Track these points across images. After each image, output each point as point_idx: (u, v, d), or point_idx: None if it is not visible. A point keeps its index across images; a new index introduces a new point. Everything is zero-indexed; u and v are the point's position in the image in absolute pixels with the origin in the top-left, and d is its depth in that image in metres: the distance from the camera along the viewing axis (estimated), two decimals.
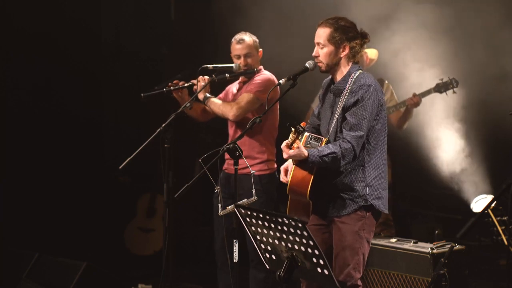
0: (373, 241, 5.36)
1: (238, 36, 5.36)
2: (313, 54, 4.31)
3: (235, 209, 3.81)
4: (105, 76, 7.59)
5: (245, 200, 4.19)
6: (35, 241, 6.56)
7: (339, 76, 4.31)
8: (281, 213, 3.59)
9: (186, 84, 5.39)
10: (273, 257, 3.73)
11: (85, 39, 7.27)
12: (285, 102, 5.63)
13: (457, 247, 5.26)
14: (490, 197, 6.43)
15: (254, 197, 4.21)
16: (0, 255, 6.28)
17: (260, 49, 5.42)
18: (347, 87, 4.24)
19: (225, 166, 5.39)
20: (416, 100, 6.40)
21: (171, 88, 5.36)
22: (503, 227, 5.78)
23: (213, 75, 5.31)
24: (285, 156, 4.10)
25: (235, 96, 5.45)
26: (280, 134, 5.42)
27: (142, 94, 5.37)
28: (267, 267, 3.83)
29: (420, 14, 6.62)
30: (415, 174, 7.07)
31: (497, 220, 5.79)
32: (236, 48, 5.34)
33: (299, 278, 4.27)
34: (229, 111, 5.28)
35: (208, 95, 5.35)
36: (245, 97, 5.30)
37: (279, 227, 3.55)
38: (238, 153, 4.23)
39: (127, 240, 7.45)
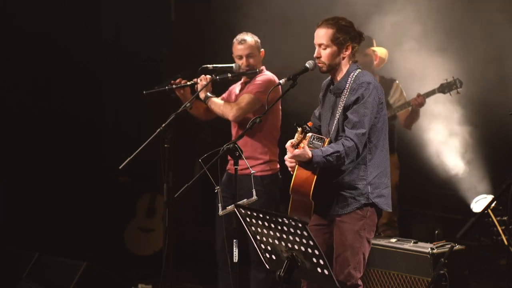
0: (373, 241, 5.34)
1: (239, 37, 5.36)
2: (315, 55, 4.29)
3: (235, 209, 3.81)
4: (105, 76, 7.59)
5: (245, 200, 4.20)
6: (35, 241, 6.56)
7: (338, 76, 4.31)
8: (281, 213, 3.58)
9: (188, 83, 5.39)
10: (273, 257, 3.73)
11: (85, 39, 7.27)
12: (289, 103, 5.65)
13: (457, 247, 5.25)
14: (490, 197, 6.43)
15: (254, 197, 4.21)
16: (0, 255, 6.27)
17: (262, 49, 5.42)
18: (347, 86, 4.24)
19: (228, 166, 5.39)
20: (420, 100, 6.41)
21: (173, 86, 5.36)
22: (503, 227, 5.78)
23: (214, 75, 5.30)
24: (289, 156, 4.09)
25: (237, 97, 5.45)
26: (282, 135, 5.42)
27: (144, 92, 5.38)
28: (267, 267, 3.83)
29: (423, 15, 6.62)
30: (415, 174, 7.07)
31: (497, 220, 5.79)
32: (238, 49, 5.34)
33: (299, 278, 4.27)
34: (229, 112, 5.28)
35: (209, 94, 5.35)
36: (245, 98, 5.30)
37: (279, 227, 3.55)
38: (238, 153, 4.23)
39: (127, 240, 7.45)
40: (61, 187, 7.10)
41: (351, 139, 4.12)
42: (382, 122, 4.27)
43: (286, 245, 3.57)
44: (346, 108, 4.22)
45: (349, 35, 4.26)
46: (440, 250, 5.26)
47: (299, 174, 4.19)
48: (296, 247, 3.53)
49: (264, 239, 3.69)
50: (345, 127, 4.18)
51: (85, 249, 6.72)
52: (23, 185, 6.89)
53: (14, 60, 6.99)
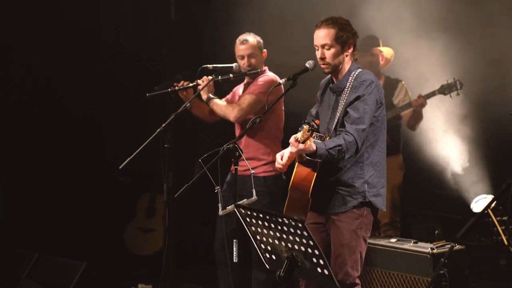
0: (373, 241, 5.38)
1: (242, 37, 5.36)
2: (319, 56, 4.28)
3: (235, 209, 3.81)
4: (105, 76, 7.59)
5: (245, 200, 4.20)
6: (35, 241, 6.56)
7: (340, 75, 4.32)
8: (281, 213, 3.58)
9: (190, 84, 5.39)
10: (273, 257, 3.73)
11: (85, 39, 7.27)
12: (288, 103, 5.64)
13: (457, 247, 5.25)
14: (490, 197, 6.43)
15: (254, 197, 4.21)
16: (0, 255, 6.27)
17: (265, 50, 5.42)
18: (348, 85, 4.25)
19: (233, 167, 5.38)
20: (421, 101, 6.42)
21: (176, 88, 5.36)
22: (503, 227, 5.78)
23: (215, 75, 5.30)
24: (294, 150, 4.07)
25: (240, 98, 5.45)
26: (285, 135, 5.42)
27: (147, 94, 5.38)
28: (267, 267, 3.83)
29: (427, 16, 6.63)
30: (415, 174, 7.07)
31: (497, 220, 5.79)
32: (240, 49, 5.34)
33: (299, 278, 4.28)
34: (230, 113, 5.28)
35: (211, 95, 5.35)
36: (246, 99, 5.30)
37: (279, 227, 3.55)
38: (238, 153, 4.23)
39: (127, 240, 7.45)
40: (61, 187, 7.10)
41: (351, 134, 4.13)
42: (380, 122, 4.28)
43: (286, 245, 3.57)
44: (347, 106, 4.22)
45: (350, 33, 4.28)
46: (440, 250, 5.26)
47: (299, 171, 4.20)
48: (296, 247, 3.53)
49: (264, 239, 3.70)
50: (345, 122, 4.19)
51: (85, 249, 6.72)
52: (23, 185, 6.89)
53: (14, 60, 6.99)
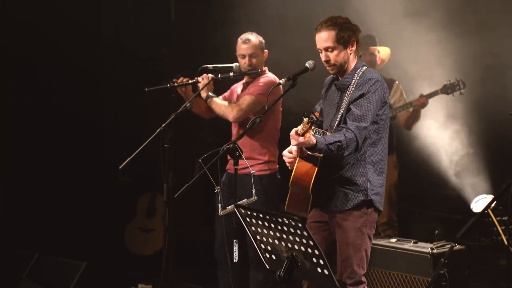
0: (373, 241, 5.36)
1: (244, 36, 5.36)
2: (323, 59, 4.28)
3: (235, 209, 3.81)
4: (105, 76, 7.59)
5: (245, 200, 4.20)
6: (35, 241, 6.56)
7: (345, 73, 4.31)
8: (281, 213, 3.58)
9: (190, 81, 5.39)
10: (273, 257, 3.73)
11: (85, 39, 7.27)
12: (288, 102, 5.64)
13: (457, 247, 5.25)
14: (490, 197, 6.43)
15: (254, 197, 4.21)
16: (0, 255, 6.27)
17: (266, 50, 5.42)
18: (353, 82, 4.25)
19: (228, 166, 5.40)
20: (422, 101, 6.42)
21: (176, 84, 5.37)
22: (503, 227, 5.78)
23: (219, 78, 5.30)
24: (293, 143, 4.07)
25: (239, 97, 5.45)
26: (282, 135, 5.43)
27: (146, 89, 5.38)
28: (267, 267, 3.83)
29: (425, 16, 6.63)
30: (415, 174, 7.07)
31: (497, 220, 5.79)
32: (242, 48, 5.34)
33: (299, 278, 4.28)
34: (230, 113, 5.28)
35: (210, 94, 5.35)
36: (246, 99, 5.30)
37: (279, 227, 3.55)
38: (238, 153, 4.23)
39: (127, 240, 7.45)
40: (61, 187, 7.10)
41: (352, 131, 4.13)
42: (384, 120, 4.28)
43: (286, 245, 3.57)
44: (350, 103, 4.22)
45: (351, 31, 4.27)
46: (440, 250, 5.26)
47: (300, 166, 4.20)
48: (296, 247, 3.53)
49: (264, 239, 3.69)
50: (347, 119, 4.19)
51: (85, 249, 6.72)
52: (23, 185, 6.89)
53: (14, 60, 6.99)
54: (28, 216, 6.88)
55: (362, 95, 4.19)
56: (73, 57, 7.13)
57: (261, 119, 4.31)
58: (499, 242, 5.88)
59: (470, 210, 6.58)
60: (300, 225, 3.43)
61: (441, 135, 6.86)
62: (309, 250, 3.48)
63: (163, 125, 4.93)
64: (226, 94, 5.57)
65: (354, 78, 4.26)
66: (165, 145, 4.98)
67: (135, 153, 4.83)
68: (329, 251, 4.32)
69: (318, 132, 4.19)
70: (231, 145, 4.25)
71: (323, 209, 4.33)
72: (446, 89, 6.41)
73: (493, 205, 5.57)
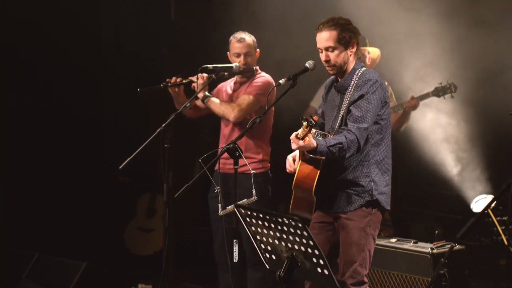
0: None
1: (238, 35, 5.37)
2: (323, 59, 4.28)
3: (235, 209, 3.81)
4: (105, 76, 7.59)
5: (245, 200, 4.20)
6: (35, 241, 6.56)
7: (344, 74, 4.31)
8: (281, 213, 3.58)
9: (184, 81, 5.39)
10: (273, 257, 3.73)
11: (85, 39, 7.27)
12: (288, 101, 5.63)
13: (457, 247, 5.26)
14: (490, 197, 6.43)
15: (254, 197, 4.21)
16: (0, 255, 6.27)
17: (258, 49, 5.42)
18: (352, 83, 4.25)
19: (216, 166, 5.36)
20: (414, 103, 6.42)
21: (169, 84, 5.36)
22: (503, 227, 5.79)
23: (213, 76, 5.29)
24: (294, 147, 4.07)
25: (230, 96, 5.44)
26: (276, 134, 5.43)
27: (139, 89, 5.39)
28: (267, 267, 3.83)
29: (418, 15, 6.62)
30: (415, 174, 7.07)
31: (497, 220, 5.79)
32: (236, 47, 5.35)
33: (299, 278, 4.27)
34: (230, 113, 5.28)
35: (207, 94, 5.35)
36: (246, 99, 5.30)
37: (279, 227, 3.55)
38: (238, 153, 4.23)
39: (127, 240, 7.45)
40: (61, 187, 7.10)
41: (353, 132, 4.13)
42: (385, 120, 4.29)
43: (286, 245, 3.57)
44: (350, 104, 4.22)
45: (352, 32, 4.28)
46: (440, 250, 5.27)
47: (302, 169, 4.20)
48: (296, 247, 3.53)
49: (264, 239, 3.69)
50: (348, 121, 4.19)
51: (85, 249, 6.72)
52: (23, 185, 6.89)
53: (14, 60, 6.99)
54: (28, 216, 6.88)
55: (361, 96, 4.19)
56: (73, 57, 7.13)
57: (261, 119, 4.31)
58: (499, 242, 5.89)
59: (470, 210, 6.58)
60: (300, 225, 3.43)
61: (441, 135, 6.86)
62: (309, 250, 3.48)
63: (163, 125, 4.92)
64: (213, 92, 5.55)
65: (353, 79, 4.26)
66: (165, 145, 4.98)
67: (135, 153, 4.83)
68: (332, 251, 4.32)
69: (320, 135, 4.19)
70: (231, 145, 4.25)
71: (327, 210, 4.33)
72: (438, 92, 6.42)
73: (493, 205, 5.57)
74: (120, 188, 7.52)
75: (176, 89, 5.40)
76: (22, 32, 6.95)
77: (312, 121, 3.96)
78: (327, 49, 4.26)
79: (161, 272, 5.02)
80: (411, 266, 5.32)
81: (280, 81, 4.39)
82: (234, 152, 4.25)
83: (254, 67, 5.39)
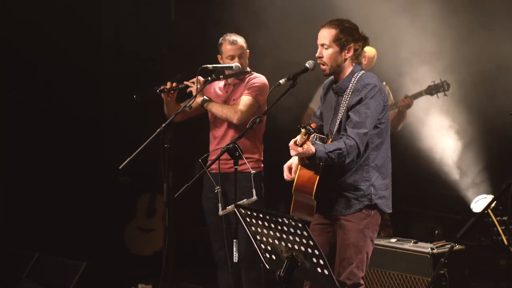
0: None
1: (229, 38, 5.35)
2: (317, 54, 4.29)
3: (235, 209, 3.81)
4: (105, 76, 7.59)
5: (245, 200, 4.20)
6: (35, 241, 6.56)
7: (342, 76, 4.31)
8: (281, 213, 3.58)
9: (180, 86, 5.39)
10: (273, 257, 3.73)
11: (85, 39, 7.27)
12: (293, 100, 5.64)
13: (457, 247, 5.26)
14: (490, 197, 6.44)
15: (254, 197, 4.21)
16: (0, 255, 6.27)
17: (248, 50, 5.43)
18: (350, 86, 4.25)
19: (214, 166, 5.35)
20: (407, 101, 6.43)
21: (165, 90, 5.36)
22: (503, 227, 5.79)
23: (212, 76, 5.28)
24: (293, 153, 4.08)
25: (224, 98, 5.42)
26: (272, 132, 5.43)
27: (134, 96, 5.40)
28: (267, 267, 3.83)
29: (417, 14, 6.62)
30: (415, 174, 7.07)
31: (497, 220, 5.80)
32: (230, 49, 5.33)
33: (299, 278, 4.27)
34: (234, 115, 5.27)
35: (206, 97, 5.35)
36: (247, 101, 5.30)
37: (279, 227, 3.55)
38: (238, 153, 4.24)
39: (127, 240, 7.45)
40: (61, 187, 7.10)
41: (352, 138, 4.13)
42: (385, 124, 4.29)
43: (286, 245, 3.57)
44: (349, 109, 4.22)
45: (352, 37, 4.26)
46: (440, 250, 5.27)
47: (302, 174, 4.20)
48: (296, 247, 3.53)
49: (264, 239, 3.69)
50: (347, 126, 4.19)
51: (85, 249, 6.72)
52: (23, 185, 6.89)
53: (14, 60, 6.99)
54: (28, 216, 6.88)
55: (360, 101, 4.18)
56: (73, 57, 7.13)
57: (261, 119, 4.32)
58: (499, 242, 5.89)
59: (470, 210, 6.58)
60: (300, 225, 3.43)
61: (441, 135, 6.86)
62: (309, 250, 3.48)
63: (163, 125, 4.92)
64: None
65: (351, 82, 4.26)
66: (165, 145, 4.98)
67: (135, 153, 4.82)
68: (332, 252, 4.31)
69: (318, 138, 4.18)
70: (231, 145, 4.25)
71: (327, 213, 4.33)
72: (431, 90, 6.42)
73: (493, 205, 5.57)
74: (120, 188, 7.52)
75: (170, 96, 5.40)
76: (22, 32, 6.95)
77: (311, 128, 3.98)
78: (322, 45, 4.27)
79: (161, 272, 5.02)
80: (411, 266, 5.32)
81: (280, 81, 4.38)
82: (234, 152, 4.25)
83: (249, 69, 5.39)
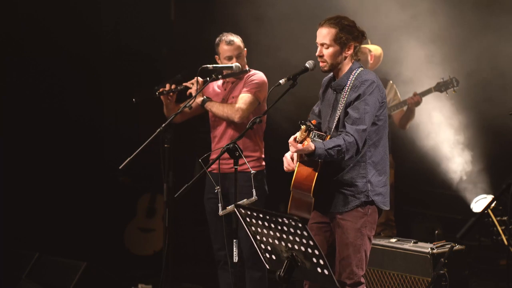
0: (373, 241, 5.37)
1: (226, 38, 5.34)
2: (317, 54, 4.30)
3: (235, 209, 3.81)
4: (105, 76, 7.59)
5: (245, 200, 4.20)
6: (35, 241, 6.56)
7: (340, 73, 4.32)
8: (281, 213, 3.58)
9: (179, 88, 5.38)
10: (273, 257, 3.73)
11: (85, 39, 7.27)
12: (292, 99, 5.64)
13: (457, 247, 5.26)
14: (490, 197, 6.44)
15: (254, 197, 4.21)
16: (0, 255, 6.28)
17: (245, 49, 5.42)
18: (348, 83, 4.26)
19: (214, 166, 5.35)
20: (416, 99, 6.40)
21: (164, 92, 5.36)
22: (503, 227, 5.79)
23: (212, 76, 5.28)
24: (292, 150, 4.10)
25: (223, 96, 5.42)
26: (271, 130, 5.43)
27: (134, 99, 5.41)
28: (267, 267, 3.83)
29: (421, 14, 6.62)
30: (415, 174, 7.07)
31: (497, 220, 5.80)
32: (227, 49, 5.31)
33: (299, 278, 4.28)
34: (235, 114, 5.26)
35: (206, 97, 5.34)
36: (246, 98, 5.29)
37: (279, 227, 3.55)
38: (238, 153, 4.24)
39: (127, 240, 7.45)
40: (61, 187, 7.10)
41: (351, 134, 4.14)
42: (383, 121, 4.29)
43: (286, 245, 3.57)
44: (347, 105, 4.23)
45: (351, 35, 4.27)
46: (440, 250, 5.26)
47: (300, 170, 4.21)
48: (296, 247, 3.53)
49: (264, 239, 3.70)
50: (346, 123, 4.19)
51: (85, 249, 6.72)
52: (23, 185, 6.89)
53: (14, 60, 6.99)
54: (28, 216, 6.88)
55: (358, 97, 4.19)
56: (73, 57, 7.13)
57: (261, 119, 4.32)
58: (499, 242, 5.89)
59: (470, 210, 6.58)
60: (300, 225, 3.43)
61: (441, 135, 6.86)
62: (309, 250, 3.48)
63: (163, 125, 4.92)
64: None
65: (350, 79, 4.27)
66: (165, 145, 4.98)
67: (135, 153, 4.82)
68: (330, 251, 4.32)
69: (317, 135, 4.19)
70: (231, 145, 4.25)
71: (324, 210, 4.34)
72: (440, 87, 6.39)
73: (493, 205, 5.57)
74: (120, 188, 7.52)
75: (169, 98, 5.39)
76: (22, 32, 6.95)
77: (311, 125, 3.98)
78: (322, 45, 4.28)
79: (161, 272, 5.02)
80: (411, 266, 5.32)
81: (280, 81, 4.38)
82: (234, 152, 4.26)
83: (247, 68, 5.39)
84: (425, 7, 6.63)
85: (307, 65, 4.38)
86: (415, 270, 5.30)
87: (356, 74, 4.27)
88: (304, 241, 3.47)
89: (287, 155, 4.33)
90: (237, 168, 4.31)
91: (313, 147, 4.05)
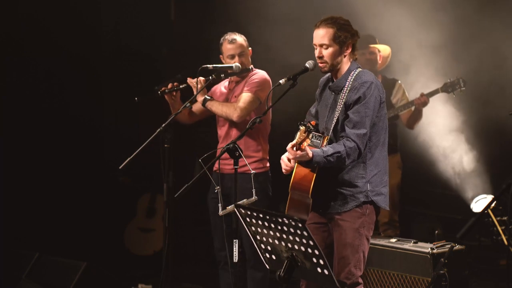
0: (372, 241, 5.38)
1: (229, 36, 5.34)
2: (317, 55, 4.29)
3: (235, 209, 3.81)
4: (105, 76, 7.59)
5: (245, 200, 4.20)
6: (35, 241, 6.56)
7: (339, 74, 4.32)
8: (281, 213, 3.59)
9: (181, 86, 5.38)
10: (273, 257, 3.73)
11: (85, 39, 7.27)
12: (292, 98, 5.64)
13: (457, 247, 5.25)
14: (490, 197, 6.44)
15: (254, 197, 4.21)
16: (0, 255, 6.28)
17: (250, 48, 5.41)
18: (347, 84, 4.25)
19: (216, 166, 5.36)
20: (423, 99, 6.40)
21: (166, 91, 5.36)
22: (503, 227, 5.79)
23: (212, 76, 5.28)
24: (290, 157, 4.12)
25: (226, 96, 5.43)
26: (272, 132, 5.43)
27: (136, 98, 5.40)
28: (267, 267, 3.83)
29: (425, 15, 6.63)
30: (415, 174, 7.07)
31: (497, 220, 5.80)
32: (229, 48, 5.32)
33: (299, 278, 4.28)
34: (233, 113, 5.26)
35: (207, 97, 5.34)
36: (246, 97, 5.28)
37: (279, 227, 3.55)
38: (238, 153, 4.23)
39: (127, 240, 7.45)
40: (61, 187, 7.10)
41: (352, 139, 4.13)
42: (382, 121, 4.29)
43: (286, 245, 3.57)
44: (346, 106, 4.22)
45: (349, 33, 4.28)
46: (440, 250, 5.26)
47: (298, 171, 4.20)
48: (296, 247, 3.53)
49: (264, 239, 3.70)
50: (346, 127, 4.19)
51: (85, 249, 6.72)
52: (23, 185, 6.89)
53: (14, 60, 6.99)
54: (28, 216, 6.88)
55: (358, 100, 4.19)
56: (73, 57, 7.13)
57: (262, 119, 4.32)
58: (499, 242, 5.89)
59: (470, 210, 6.58)
60: (300, 225, 3.43)
61: (442, 135, 6.86)
62: (309, 250, 3.48)
63: (163, 125, 4.92)
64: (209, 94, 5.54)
65: (348, 80, 4.26)
66: (165, 145, 4.98)
67: (135, 153, 4.82)
68: (328, 252, 4.31)
69: (316, 136, 4.18)
70: (231, 145, 4.25)
71: (322, 211, 4.33)
72: (447, 88, 6.39)
73: (493, 205, 5.57)
74: (120, 188, 7.52)
75: (173, 97, 5.39)
76: (22, 32, 6.95)
77: (310, 126, 3.98)
78: (321, 46, 4.28)
79: (161, 272, 5.02)
80: (411, 266, 5.32)
81: (280, 81, 4.38)
82: (234, 152, 4.25)
83: (250, 66, 5.38)
84: (430, 7, 6.63)
85: (307, 65, 4.38)
86: (415, 270, 5.29)
87: (355, 75, 4.27)
88: (304, 241, 3.47)
89: (284, 157, 4.32)
90: (237, 168, 4.31)
91: (310, 155, 4.05)
